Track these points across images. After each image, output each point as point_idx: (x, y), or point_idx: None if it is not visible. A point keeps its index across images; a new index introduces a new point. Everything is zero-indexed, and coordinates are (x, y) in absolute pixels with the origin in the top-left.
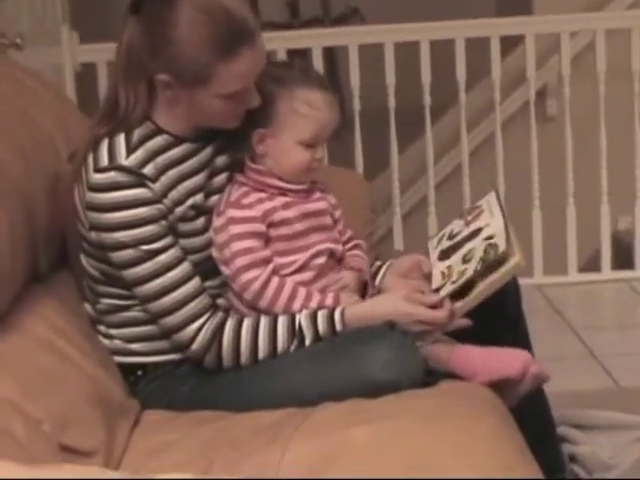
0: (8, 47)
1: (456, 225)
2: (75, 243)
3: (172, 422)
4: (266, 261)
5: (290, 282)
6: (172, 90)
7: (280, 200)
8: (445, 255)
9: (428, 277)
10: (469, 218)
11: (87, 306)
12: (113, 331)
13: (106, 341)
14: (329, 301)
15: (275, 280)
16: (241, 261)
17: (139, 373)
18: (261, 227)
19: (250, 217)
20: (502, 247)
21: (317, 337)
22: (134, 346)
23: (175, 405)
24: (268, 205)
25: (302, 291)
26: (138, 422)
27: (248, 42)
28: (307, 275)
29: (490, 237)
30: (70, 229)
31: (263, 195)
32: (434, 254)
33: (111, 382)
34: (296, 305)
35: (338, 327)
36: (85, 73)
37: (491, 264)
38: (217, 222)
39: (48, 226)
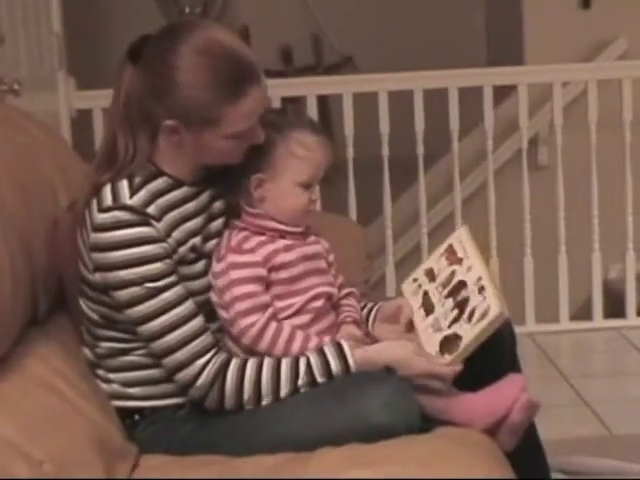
0: (6, 93)
1: (434, 262)
2: (74, 289)
3: (171, 466)
4: (265, 306)
5: (288, 326)
6: (179, 135)
7: (281, 242)
8: (429, 302)
9: (410, 323)
10: (446, 256)
11: (86, 350)
12: (111, 375)
13: (104, 385)
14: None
15: (273, 325)
16: (240, 306)
17: (136, 417)
18: (262, 272)
19: (251, 262)
20: (488, 300)
21: (328, 371)
22: (132, 390)
23: (173, 449)
24: (270, 248)
25: (300, 334)
26: (137, 466)
27: (254, 80)
28: (304, 318)
29: (481, 286)
30: (68, 275)
31: (264, 238)
32: (415, 299)
33: (110, 425)
34: (295, 347)
35: (350, 360)
36: (80, 119)
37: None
38: (217, 267)
39: (47, 268)
